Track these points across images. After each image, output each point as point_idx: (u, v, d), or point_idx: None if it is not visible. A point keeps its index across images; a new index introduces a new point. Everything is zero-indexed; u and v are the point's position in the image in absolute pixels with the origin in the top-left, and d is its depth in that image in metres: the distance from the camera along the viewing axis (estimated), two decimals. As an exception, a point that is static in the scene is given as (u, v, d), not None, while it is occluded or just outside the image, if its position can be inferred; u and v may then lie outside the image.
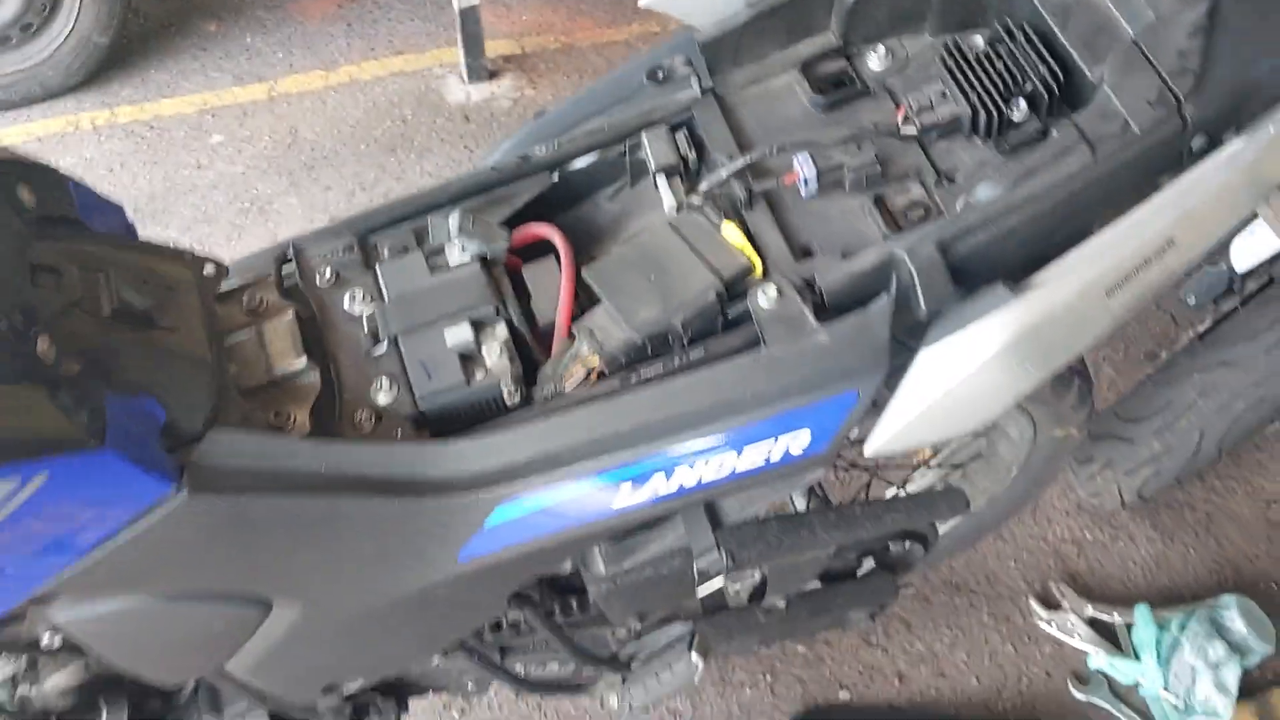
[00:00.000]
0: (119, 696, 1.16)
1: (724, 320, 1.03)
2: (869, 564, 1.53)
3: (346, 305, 1.07)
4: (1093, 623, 1.90)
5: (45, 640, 1.01)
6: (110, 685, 1.15)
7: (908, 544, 1.51)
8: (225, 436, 0.92)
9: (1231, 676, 1.78)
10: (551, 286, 1.08)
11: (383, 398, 1.02)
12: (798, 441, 0.99)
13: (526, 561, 1.06)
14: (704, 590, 1.23)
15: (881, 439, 1.00)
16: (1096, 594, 1.95)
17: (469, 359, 1.03)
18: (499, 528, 1.01)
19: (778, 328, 0.97)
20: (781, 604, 1.46)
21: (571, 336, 1.05)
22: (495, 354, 1.03)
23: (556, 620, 1.29)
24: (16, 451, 0.78)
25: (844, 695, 1.86)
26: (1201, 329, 1.77)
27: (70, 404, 0.80)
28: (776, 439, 0.98)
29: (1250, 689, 1.80)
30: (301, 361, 1.02)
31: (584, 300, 1.07)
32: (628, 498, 1.00)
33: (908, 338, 0.99)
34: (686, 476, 1.00)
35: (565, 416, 0.99)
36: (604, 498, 1.00)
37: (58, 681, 1.12)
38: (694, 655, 1.30)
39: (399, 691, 1.36)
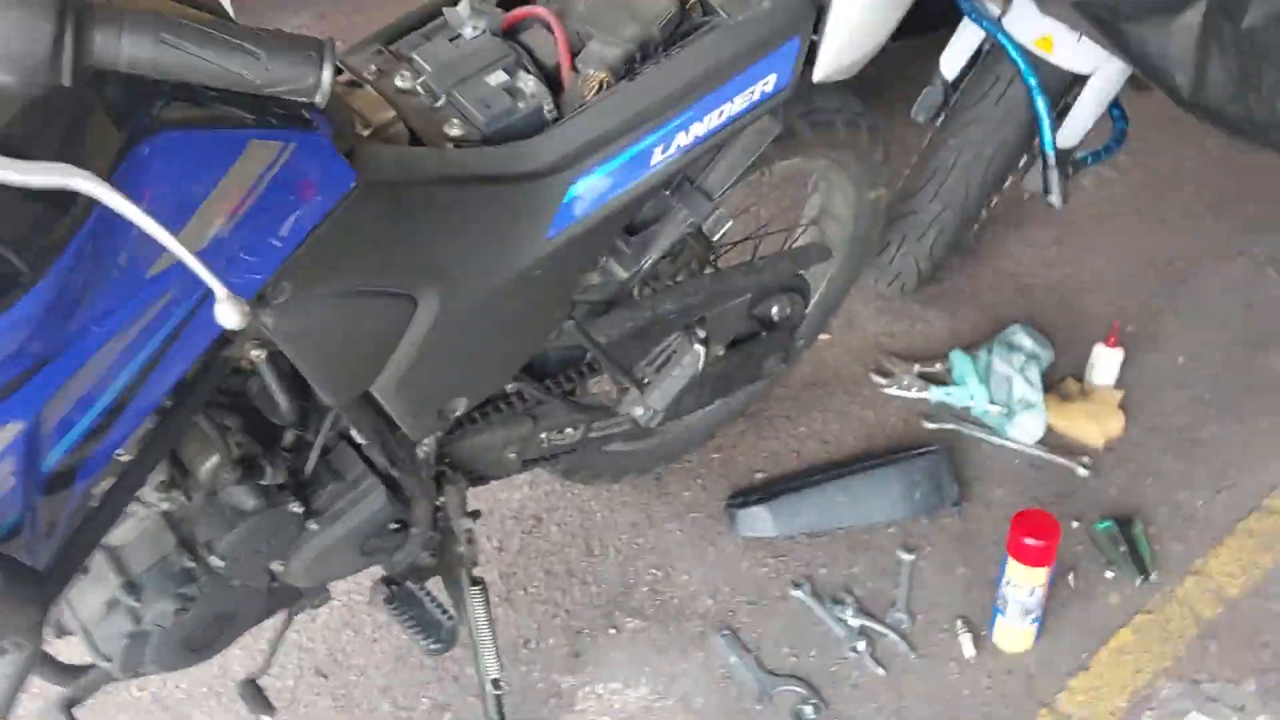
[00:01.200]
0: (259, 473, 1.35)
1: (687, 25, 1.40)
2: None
3: (399, 84, 1.35)
4: (922, 376, 2.37)
5: (252, 355, 1.21)
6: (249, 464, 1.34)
7: (792, 298, 1.92)
8: (373, 148, 1.19)
9: (1035, 375, 2.29)
10: (542, 41, 1.41)
11: (455, 131, 1.31)
12: (768, 84, 1.37)
13: (596, 230, 1.37)
14: (718, 234, 1.56)
15: (824, 66, 1.40)
16: (916, 359, 2.43)
17: (512, 92, 1.34)
18: (573, 201, 1.33)
19: (734, 5, 1.36)
20: (721, 351, 1.82)
21: (575, 69, 1.39)
22: (530, 85, 1.35)
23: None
24: (283, 123, 1.03)
25: (759, 477, 2.22)
26: (940, 120, 2.31)
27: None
28: (754, 84, 1.36)
29: (1048, 385, 2.32)
30: (391, 113, 1.29)
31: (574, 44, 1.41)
32: (660, 156, 1.35)
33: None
34: (701, 127, 1.36)
35: (600, 106, 1.32)
36: (642, 160, 1.35)
37: (209, 466, 1.30)
38: (696, 345, 1.63)
39: (469, 473, 1.61)
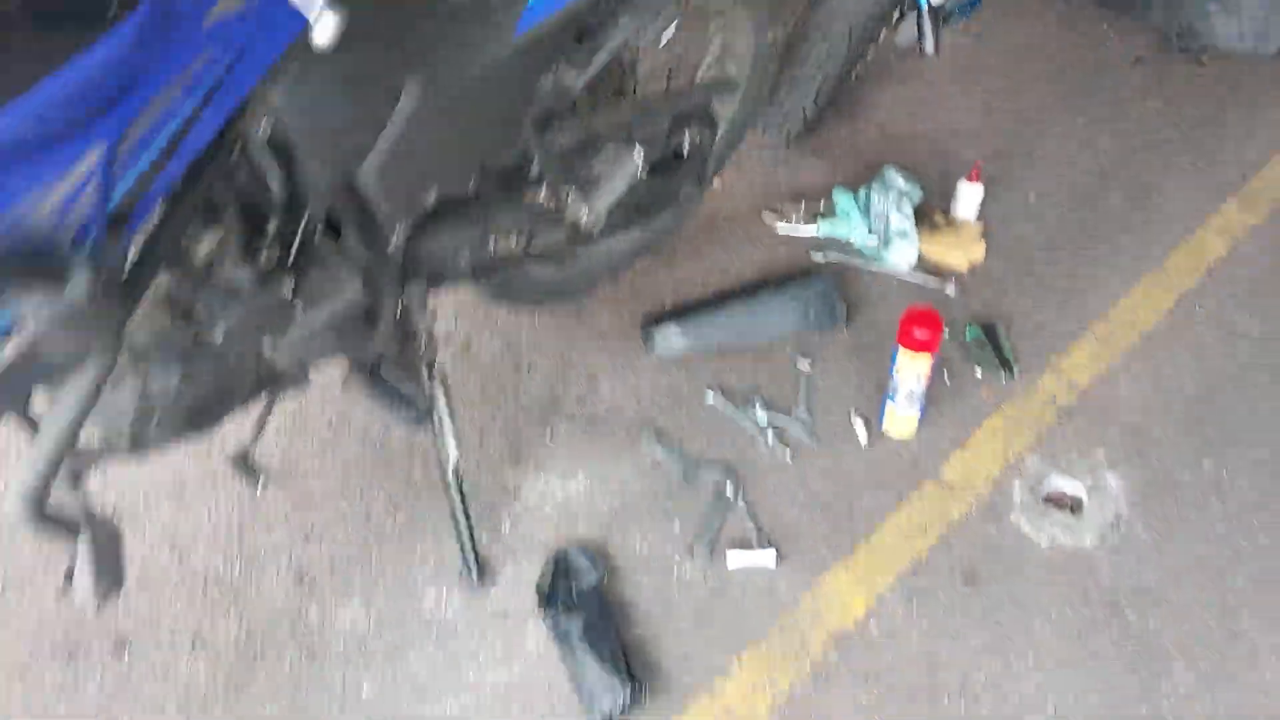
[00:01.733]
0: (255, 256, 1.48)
1: None
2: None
3: None
4: (809, 214, 2.61)
5: (261, 129, 1.34)
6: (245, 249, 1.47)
7: (703, 129, 2.12)
8: None
9: (908, 208, 2.56)
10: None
11: None
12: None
13: (556, 31, 1.53)
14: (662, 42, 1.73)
15: None
16: (803, 199, 2.67)
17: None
18: (536, 2, 1.49)
19: None
20: (645, 175, 2.00)
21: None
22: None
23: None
24: None
25: (670, 304, 2.43)
26: None
27: None
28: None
29: (918, 218, 2.59)
30: None
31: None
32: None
33: None
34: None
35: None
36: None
37: (208, 245, 1.43)
38: (636, 150, 1.81)
39: (428, 273, 1.75)
